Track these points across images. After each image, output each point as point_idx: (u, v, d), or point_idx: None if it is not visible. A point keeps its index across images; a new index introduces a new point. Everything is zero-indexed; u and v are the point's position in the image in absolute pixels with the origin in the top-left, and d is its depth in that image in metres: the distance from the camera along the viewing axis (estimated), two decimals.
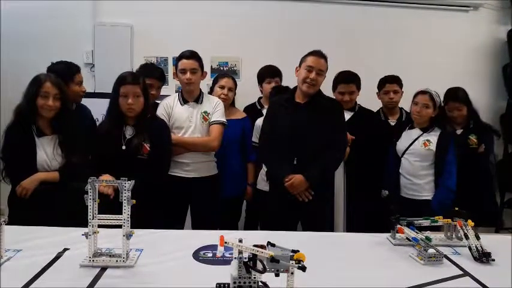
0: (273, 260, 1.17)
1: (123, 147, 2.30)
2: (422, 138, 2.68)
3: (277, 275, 1.20)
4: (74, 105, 2.67)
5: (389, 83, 3.17)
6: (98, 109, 2.85)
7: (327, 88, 2.87)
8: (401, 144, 2.76)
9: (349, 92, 3.02)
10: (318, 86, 2.50)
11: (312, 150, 2.44)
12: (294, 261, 1.19)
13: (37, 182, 2.11)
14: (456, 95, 3.00)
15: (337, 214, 2.80)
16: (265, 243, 1.26)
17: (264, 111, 3.00)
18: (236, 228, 3.02)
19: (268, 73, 3.24)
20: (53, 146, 2.19)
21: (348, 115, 2.97)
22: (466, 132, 2.99)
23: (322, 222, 2.50)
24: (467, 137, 2.97)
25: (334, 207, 2.79)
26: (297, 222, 2.56)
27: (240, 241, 1.21)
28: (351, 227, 2.84)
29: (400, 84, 3.19)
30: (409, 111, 3.12)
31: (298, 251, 1.22)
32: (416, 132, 2.73)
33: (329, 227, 2.69)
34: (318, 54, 2.49)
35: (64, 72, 2.54)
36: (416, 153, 2.67)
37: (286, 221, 2.44)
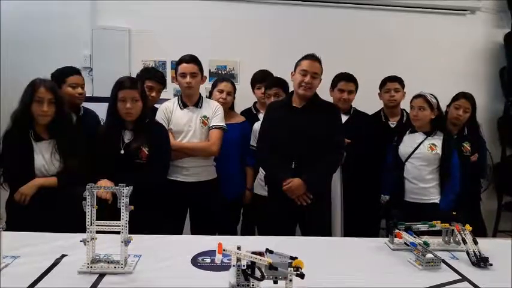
0: (271, 267, 1.18)
1: (122, 152, 2.30)
2: (427, 142, 2.67)
3: (275, 282, 1.21)
4: (81, 110, 2.67)
5: (391, 81, 3.19)
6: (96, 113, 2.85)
7: (323, 91, 2.87)
8: (404, 149, 2.73)
9: (349, 90, 3.03)
10: (314, 89, 2.50)
11: (310, 154, 2.43)
12: (292, 269, 1.19)
13: (35, 188, 2.10)
14: (465, 95, 3.03)
15: (335, 218, 2.80)
16: (263, 249, 1.27)
17: (260, 116, 3.00)
18: (235, 232, 3.02)
19: (259, 79, 3.23)
20: (50, 151, 2.18)
21: (343, 118, 2.97)
22: (461, 138, 2.99)
23: (320, 226, 2.49)
24: (461, 144, 2.96)
25: (331, 211, 2.79)
26: (295, 226, 2.56)
27: (239, 248, 1.21)
28: (348, 231, 2.84)
29: (402, 84, 3.20)
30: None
31: (296, 257, 1.22)
32: (420, 136, 2.71)
33: (327, 231, 2.69)
34: (312, 57, 2.49)
35: (57, 75, 2.56)
36: (423, 157, 2.65)
37: (284, 225, 2.43)
